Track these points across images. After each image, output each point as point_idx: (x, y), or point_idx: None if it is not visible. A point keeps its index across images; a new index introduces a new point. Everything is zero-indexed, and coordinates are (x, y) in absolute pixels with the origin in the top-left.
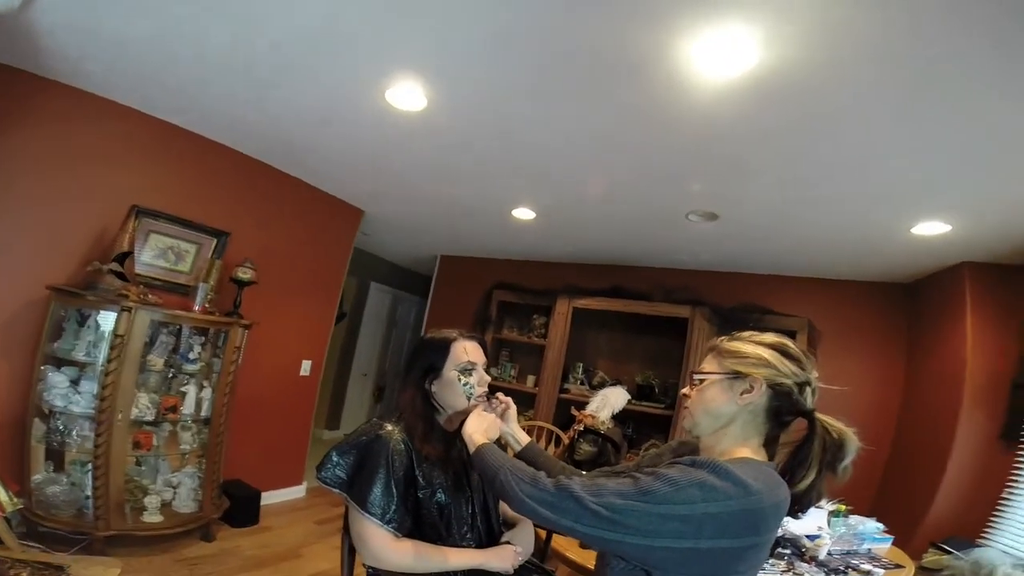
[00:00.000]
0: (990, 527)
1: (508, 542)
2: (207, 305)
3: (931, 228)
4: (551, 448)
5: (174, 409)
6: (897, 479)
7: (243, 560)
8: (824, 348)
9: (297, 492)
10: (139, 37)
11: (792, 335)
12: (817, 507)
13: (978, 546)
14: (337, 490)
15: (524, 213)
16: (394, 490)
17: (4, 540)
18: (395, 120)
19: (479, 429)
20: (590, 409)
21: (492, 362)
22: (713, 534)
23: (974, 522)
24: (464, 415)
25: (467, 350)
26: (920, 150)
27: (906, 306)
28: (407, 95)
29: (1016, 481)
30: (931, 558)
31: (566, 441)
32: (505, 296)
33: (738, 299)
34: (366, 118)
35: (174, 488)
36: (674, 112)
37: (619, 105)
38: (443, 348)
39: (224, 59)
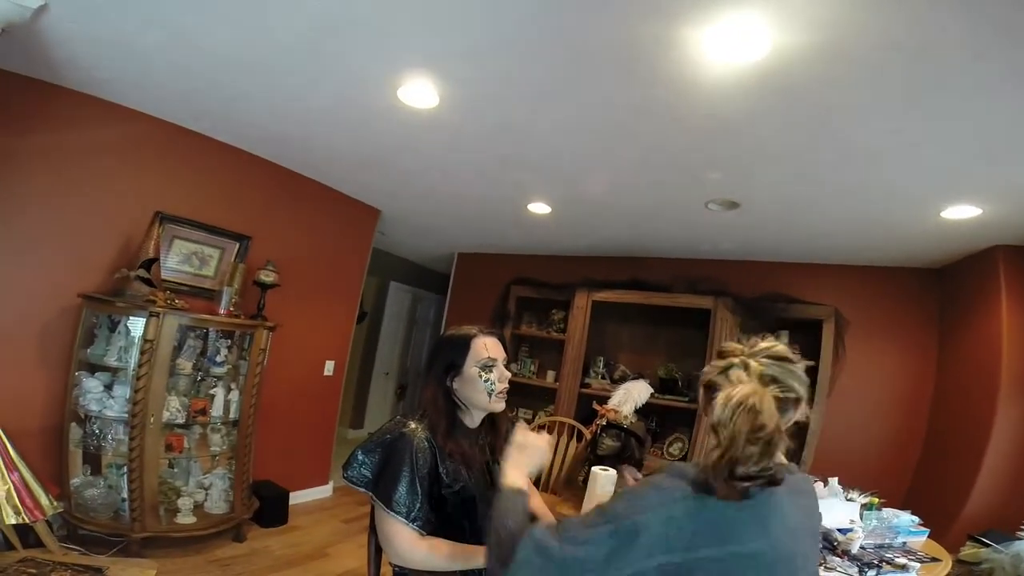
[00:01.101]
0: None
1: None
2: (232, 308)
3: (962, 212)
4: (572, 443)
5: (203, 412)
6: (931, 470)
7: (273, 560)
8: (852, 336)
9: (324, 491)
10: (149, 45)
11: (819, 324)
12: (849, 500)
13: (1018, 539)
14: (363, 489)
15: (539, 207)
16: (419, 488)
17: (46, 543)
18: (408, 118)
19: (517, 463)
20: (612, 403)
21: (511, 358)
22: (680, 545)
23: (1013, 514)
24: (484, 412)
25: (487, 346)
26: (945, 137)
27: (937, 292)
28: (419, 93)
29: None
30: (969, 551)
31: (588, 436)
32: (523, 291)
33: (762, 288)
34: (379, 117)
35: (206, 489)
36: (687, 102)
37: (631, 97)
38: (463, 345)
39: (235, 65)
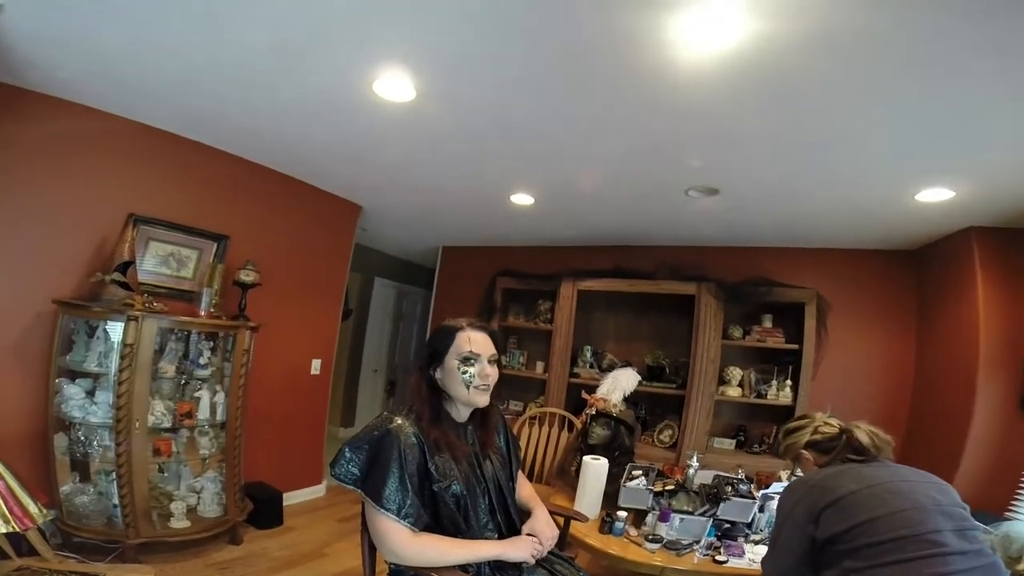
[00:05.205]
0: (1017, 499)
1: (530, 534)
2: (212, 309)
3: (935, 195)
4: (564, 434)
5: (189, 415)
6: (916, 451)
7: (271, 561)
8: (834, 318)
9: (317, 491)
10: (112, 45)
11: (801, 307)
12: None
13: (1006, 519)
14: (351, 486)
15: (522, 199)
16: (408, 484)
17: (39, 551)
18: (385, 112)
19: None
20: (601, 392)
21: (500, 350)
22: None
23: (1000, 495)
24: (469, 407)
25: (471, 340)
26: (917, 120)
27: (915, 273)
28: (394, 86)
29: None
30: None
31: (579, 426)
32: (509, 283)
33: (744, 273)
34: (354, 111)
35: (198, 493)
36: (664, 90)
37: (607, 85)
38: (449, 336)
39: (202, 61)
